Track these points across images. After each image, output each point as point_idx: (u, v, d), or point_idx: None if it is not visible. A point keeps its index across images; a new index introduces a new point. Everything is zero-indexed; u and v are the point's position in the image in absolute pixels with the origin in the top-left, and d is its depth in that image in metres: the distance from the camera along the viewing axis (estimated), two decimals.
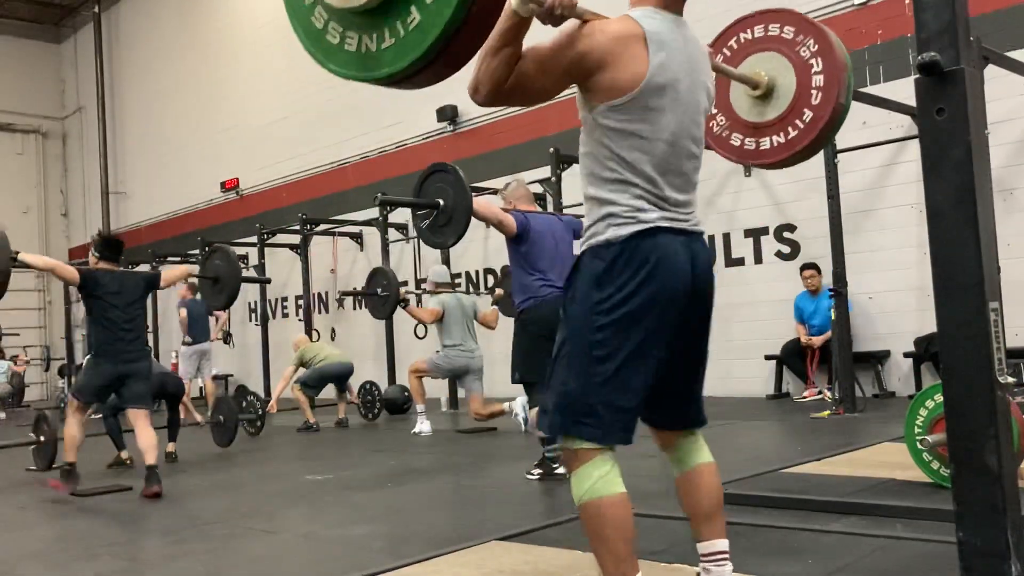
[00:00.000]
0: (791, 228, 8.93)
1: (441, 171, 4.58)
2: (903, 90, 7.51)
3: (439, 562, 3.17)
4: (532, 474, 4.94)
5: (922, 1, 2.12)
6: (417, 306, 8.34)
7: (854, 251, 7.62)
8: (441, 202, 4.48)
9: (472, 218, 4.57)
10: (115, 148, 19.46)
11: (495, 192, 10.90)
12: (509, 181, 5.25)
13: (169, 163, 17.66)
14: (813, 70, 3.20)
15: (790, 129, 3.25)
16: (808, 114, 3.20)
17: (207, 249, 6.25)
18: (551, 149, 9.35)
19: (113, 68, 19.60)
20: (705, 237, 2.24)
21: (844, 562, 2.88)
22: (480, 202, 4.59)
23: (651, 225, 2.06)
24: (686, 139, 2.10)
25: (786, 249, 8.93)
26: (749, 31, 3.34)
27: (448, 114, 11.89)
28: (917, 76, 2.10)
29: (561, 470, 4.78)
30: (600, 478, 2.07)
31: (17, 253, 5.04)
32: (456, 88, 9.68)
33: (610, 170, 2.08)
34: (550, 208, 9.71)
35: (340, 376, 9.01)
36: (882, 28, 8.32)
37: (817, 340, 8.15)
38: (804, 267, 8.45)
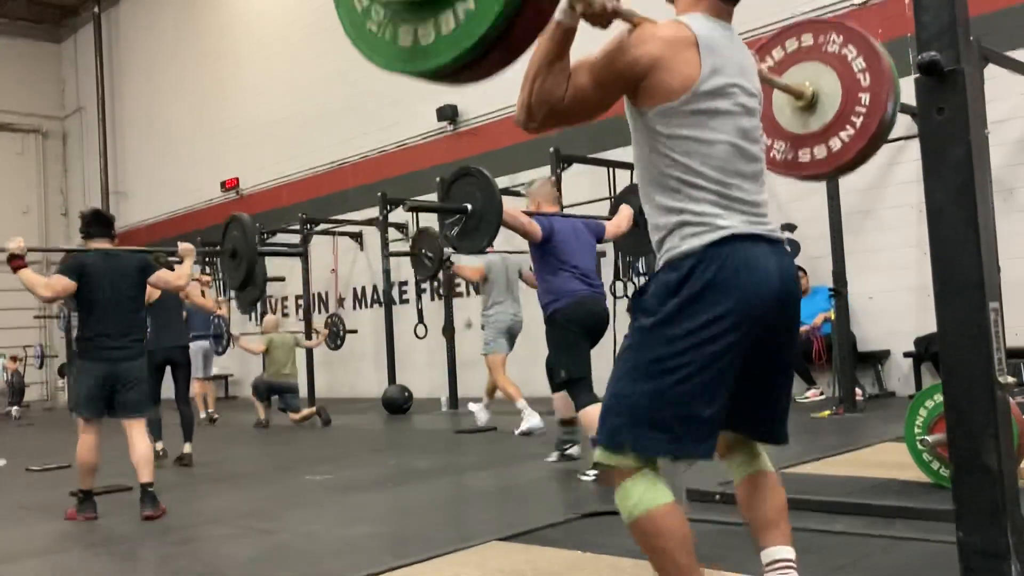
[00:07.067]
0: (791, 228, 8.92)
1: (467, 175, 4.54)
2: (903, 90, 7.50)
3: (439, 562, 3.17)
4: (551, 458, 5.13)
5: (922, 1, 2.12)
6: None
7: (854, 251, 7.62)
8: (469, 207, 4.43)
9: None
10: (115, 148, 19.47)
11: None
12: (535, 178, 5.27)
13: (169, 163, 17.66)
14: (859, 81, 3.14)
15: (834, 141, 3.19)
16: (853, 126, 3.14)
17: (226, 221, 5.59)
18: (551, 149, 9.35)
19: (113, 68, 19.61)
20: (786, 245, 2.14)
21: (844, 562, 2.88)
22: (507, 211, 4.59)
23: (729, 232, 1.96)
24: (746, 141, 2.04)
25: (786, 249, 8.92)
26: (793, 40, 3.27)
27: (448, 114, 11.90)
28: (917, 76, 2.10)
29: (573, 451, 5.01)
30: (645, 490, 1.96)
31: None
32: (457, 88, 9.62)
33: (674, 178, 2.00)
34: None
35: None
36: (882, 28, 8.31)
37: (818, 320, 8.16)
38: None
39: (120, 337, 4.66)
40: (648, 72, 1.94)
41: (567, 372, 4.62)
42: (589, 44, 2.03)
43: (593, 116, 2.02)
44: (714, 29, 2.02)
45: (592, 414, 4.60)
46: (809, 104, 3.21)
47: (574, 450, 5.06)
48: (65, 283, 4.62)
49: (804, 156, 3.25)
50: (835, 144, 3.18)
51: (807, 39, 3.24)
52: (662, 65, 1.94)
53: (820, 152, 3.21)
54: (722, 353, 1.95)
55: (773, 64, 3.29)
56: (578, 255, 4.76)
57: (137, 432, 4.67)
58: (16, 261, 4.49)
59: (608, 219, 5.45)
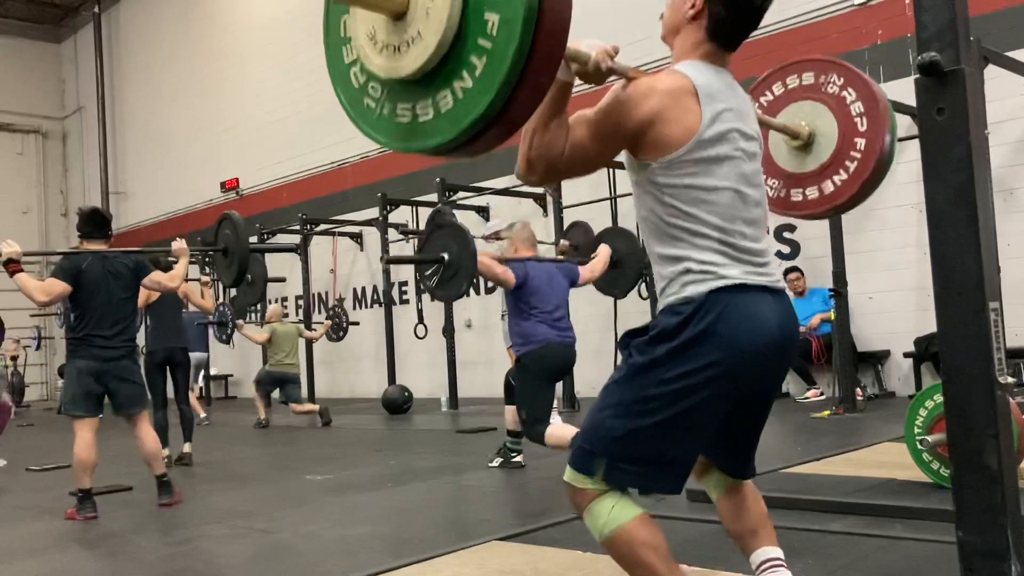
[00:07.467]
0: (791, 228, 8.93)
1: (440, 227, 4.79)
2: (903, 90, 7.51)
3: (439, 562, 3.17)
4: (493, 463, 5.45)
5: (922, 1, 2.12)
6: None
7: (854, 251, 7.63)
8: (445, 256, 4.63)
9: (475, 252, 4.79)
10: (115, 148, 19.47)
11: (495, 193, 10.92)
12: (514, 222, 5.44)
13: (169, 163, 17.67)
14: (856, 126, 3.14)
15: (827, 184, 3.20)
16: (847, 170, 3.14)
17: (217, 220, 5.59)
18: None
19: (113, 68, 19.61)
20: (788, 293, 2.14)
21: (844, 562, 2.88)
22: (481, 260, 4.80)
23: (733, 282, 1.95)
24: (748, 187, 2.03)
25: (786, 249, 8.93)
26: (794, 77, 3.27)
27: None
28: (917, 76, 2.10)
29: (519, 459, 5.34)
30: (614, 506, 1.98)
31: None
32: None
33: (677, 227, 1.98)
34: (551, 209, 9.73)
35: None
36: (882, 28, 8.33)
37: (815, 321, 8.20)
38: (788, 271, 8.50)
39: (113, 337, 4.71)
40: (649, 126, 1.93)
41: (528, 414, 4.81)
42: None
43: (595, 169, 2.02)
44: (712, 76, 2.01)
45: (554, 434, 4.77)
46: (805, 144, 3.21)
47: (520, 458, 5.36)
48: (61, 287, 4.64)
49: (797, 196, 3.26)
50: (828, 187, 3.19)
51: (808, 77, 3.24)
52: (663, 117, 1.92)
53: (812, 193, 3.22)
54: (710, 401, 1.95)
55: (772, 99, 3.29)
56: (550, 300, 4.95)
57: (143, 427, 4.82)
58: (12, 266, 4.49)
59: (584, 263, 5.62)
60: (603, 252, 5.59)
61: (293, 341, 9.67)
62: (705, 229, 1.97)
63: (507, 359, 7.54)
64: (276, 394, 9.73)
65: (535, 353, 4.82)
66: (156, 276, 5.05)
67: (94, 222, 4.91)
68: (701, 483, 2.32)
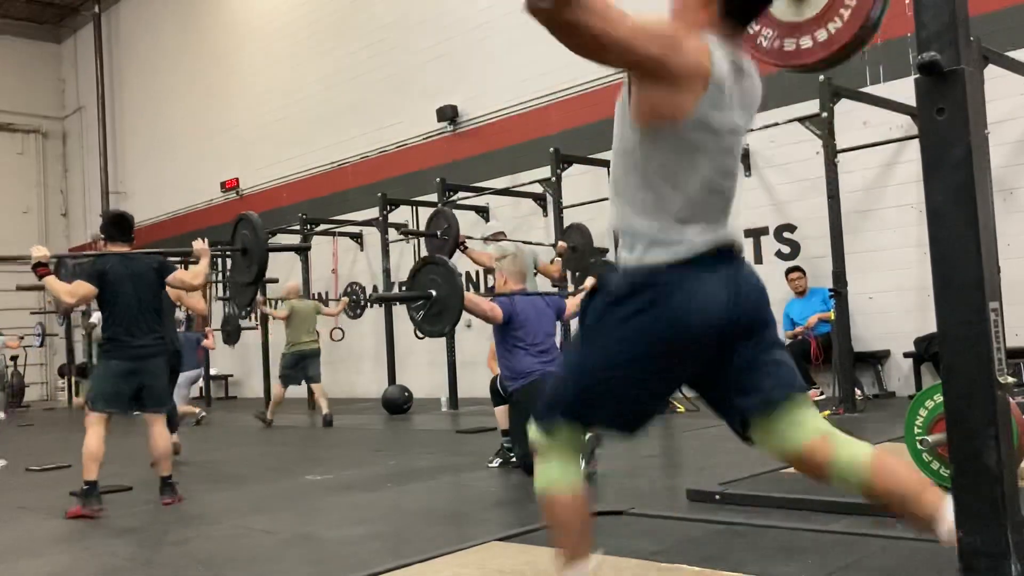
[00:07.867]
0: (791, 228, 8.93)
1: (431, 263, 4.91)
2: (903, 90, 7.51)
3: (439, 562, 3.17)
4: (492, 463, 5.45)
5: (922, 1, 2.13)
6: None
7: (854, 251, 7.62)
8: (434, 293, 4.71)
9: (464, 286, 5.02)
10: (115, 148, 19.47)
11: (495, 193, 10.92)
12: (505, 255, 5.56)
13: (169, 163, 17.67)
14: None
15: (825, 29, 3.18)
16: (842, 17, 3.13)
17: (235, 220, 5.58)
18: (551, 149, 9.35)
19: (113, 68, 19.61)
20: (748, 262, 2.14)
21: (844, 562, 2.88)
22: (468, 298, 4.89)
23: (684, 257, 1.96)
24: (722, 178, 2.02)
25: (786, 249, 8.93)
26: None
27: (448, 114, 11.90)
28: (917, 76, 2.10)
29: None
30: (558, 476, 2.24)
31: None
32: (457, 88, 9.72)
33: (640, 196, 1.99)
34: (550, 209, 9.72)
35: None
36: (882, 28, 8.31)
37: (812, 320, 8.20)
38: (789, 270, 8.49)
39: (144, 335, 4.87)
40: (672, 76, 1.85)
41: (520, 450, 4.92)
42: None
43: (587, 52, 1.80)
44: (727, 62, 1.93)
45: None
46: None
47: None
48: (87, 288, 4.78)
49: (790, 45, 3.24)
50: (821, 35, 3.17)
51: None
52: (682, 82, 1.85)
53: (806, 42, 3.20)
54: (653, 369, 2.03)
55: None
56: (537, 332, 5.09)
57: (159, 427, 4.90)
58: (41, 269, 4.60)
59: (574, 294, 5.77)
60: (590, 285, 5.63)
61: (312, 318, 9.67)
62: (666, 206, 1.98)
63: None
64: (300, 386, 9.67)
65: (525, 389, 4.94)
66: (179, 274, 5.17)
67: (117, 225, 5.07)
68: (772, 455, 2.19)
